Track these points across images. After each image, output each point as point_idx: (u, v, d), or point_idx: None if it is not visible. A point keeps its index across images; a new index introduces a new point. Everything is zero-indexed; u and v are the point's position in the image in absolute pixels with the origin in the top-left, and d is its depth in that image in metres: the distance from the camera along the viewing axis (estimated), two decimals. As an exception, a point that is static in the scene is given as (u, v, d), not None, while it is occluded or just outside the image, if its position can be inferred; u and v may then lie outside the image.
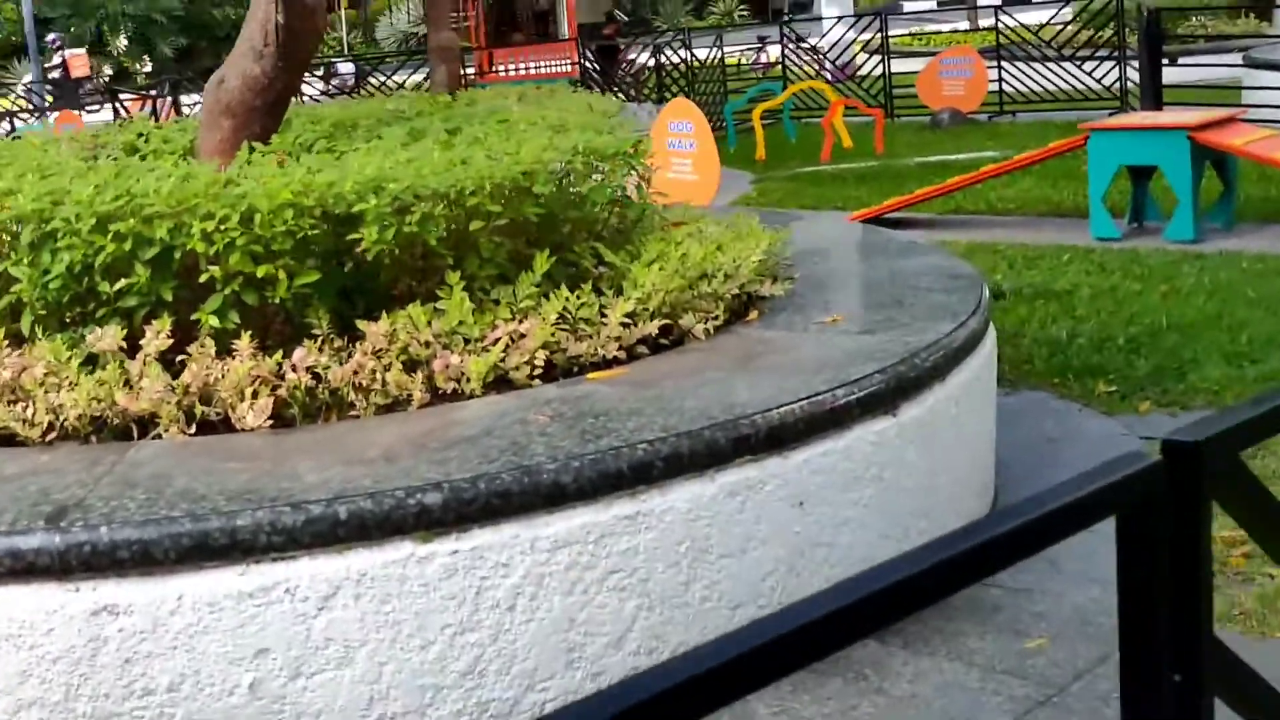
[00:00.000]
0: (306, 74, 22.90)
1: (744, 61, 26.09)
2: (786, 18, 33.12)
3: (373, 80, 20.79)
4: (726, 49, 20.42)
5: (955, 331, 4.18)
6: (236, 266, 3.74)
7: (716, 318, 4.30)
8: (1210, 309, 7.08)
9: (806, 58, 19.81)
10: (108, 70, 39.25)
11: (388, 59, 23.52)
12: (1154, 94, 13.85)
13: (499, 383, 3.85)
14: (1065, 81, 17.16)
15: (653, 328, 4.07)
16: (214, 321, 3.78)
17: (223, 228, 3.73)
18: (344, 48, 45.59)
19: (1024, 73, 17.38)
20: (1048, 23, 18.30)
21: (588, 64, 16.48)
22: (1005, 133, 15.94)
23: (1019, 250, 9.29)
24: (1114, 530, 1.83)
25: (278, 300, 3.78)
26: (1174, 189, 9.46)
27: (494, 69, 18.74)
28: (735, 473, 3.46)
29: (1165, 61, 17.76)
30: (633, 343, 4.06)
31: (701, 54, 18.07)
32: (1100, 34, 17.36)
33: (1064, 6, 18.57)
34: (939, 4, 47.59)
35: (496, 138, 4.68)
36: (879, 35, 18.76)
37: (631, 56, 20.51)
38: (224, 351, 3.77)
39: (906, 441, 3.89)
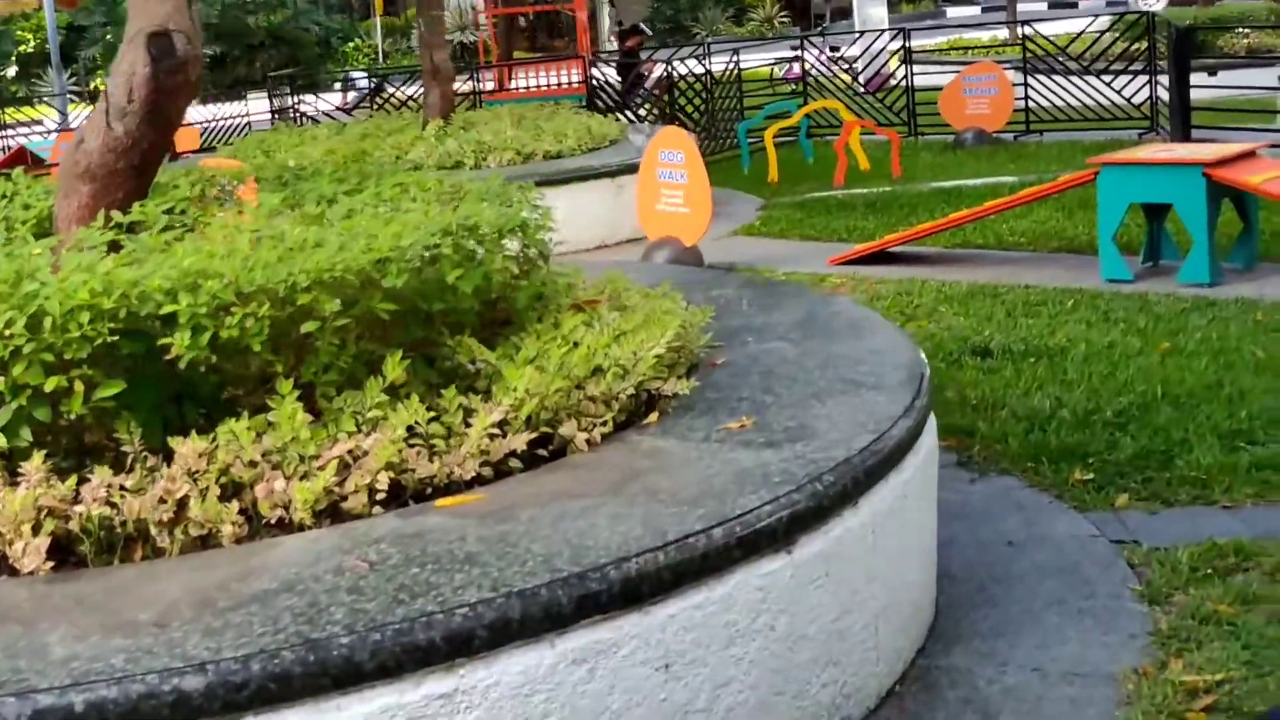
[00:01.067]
0: (320, 91, 22.51)
1: (776, 73, 25.51)
2: (820, 28, 32.59)
3: (397, 94, 20.28)
4: (760, 60, 19.84)
5: (874, 445, 3.62)
6: (24, 379, 3.23)
7: (606, 423, 3.75)
8: (1211, 374, 6.47)
9: (829, 70, 19.19)
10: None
11: (400, 72, 23.06)
12: (1181, 115, 13.24)
13: (334, 511, 3.32)
14: (1095, 99, 16.50)
15: (520, 441, 3.53)
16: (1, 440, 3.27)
17: (8, 333, 3.22)
18: (378, 56, 45.33)
19: (1052, 89, 16.72)
20: (1080, 35, 17.63)
21: (596, 82, 15.92)
22: (1030, 154, 15.32)
23: (1020, 295, 8.70)
24: None
25: (73, 415, 3.27)
26: (1189, 229, 8.85)
27: (509, 85, 18.25)
28: (582, 635, 2.92)
29: (1208, 74, 17.13)
30: (499, 458, 3.53)
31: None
32: (1134, 47, 16.68)
33: (1098, 17, 17.91)
34: (983, 10, 46.91)
35: (370, 213, 4.15)
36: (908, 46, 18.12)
37: (656, 72, 20.00)
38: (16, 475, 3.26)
39: (806, 581, 3.34)
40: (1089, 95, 16.49)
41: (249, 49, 41.52)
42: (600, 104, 16.09)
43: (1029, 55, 16.99)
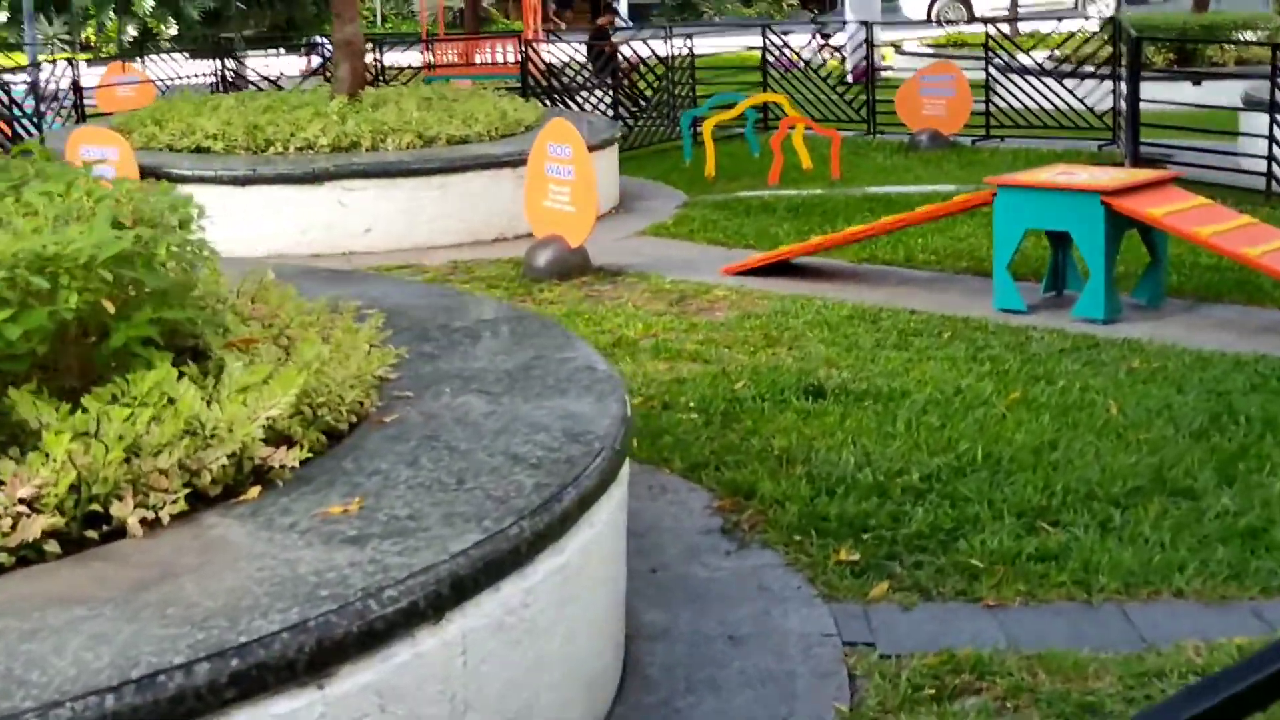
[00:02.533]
0: (282, 52, 21.80)
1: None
2: (812, 15, 31.87)
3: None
4: (736, 44, 19.09)
5: (475, 549, 3.03)
6: None
7: (176, 500, 3.17)
8: (1049, 433, 5.87)
9: (788, 57, 18.47)
10: (131, 31, 38.51)
11: (377, 37, 22.41)
12: (1131, 129, 12.61)
13: None
14: (1058, 104, 15.83)
15: (36, 528, 2.95)
16: None
17: None
18: (376, 19, 44.63)
19: (1015, 92, 16.07)
20: (1048, 36, 16.97)
21: (533, 64, 15.27)
22: (983, 161, 14.65)
23: (900, 321, 8.10)
24: None
25: None
26: (1085, 260, 8.23)
27: (445, 62, 17.62)
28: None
29: (1192, 84, 16.42)
30: (15, 544, 2.95)
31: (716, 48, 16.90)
32: (1100, 53, 15.99)
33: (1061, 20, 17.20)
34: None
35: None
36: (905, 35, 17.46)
37: (624, 52, 19.38)
38: None
39: (346, 720, 2.76)
40: (1053, 101, 15.82)
41: (246, 4, 40.83)
42: (533, 86, 15.42)
43: (991, 55, 16.28)
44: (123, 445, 3.13)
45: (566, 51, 17.36)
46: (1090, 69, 15.49)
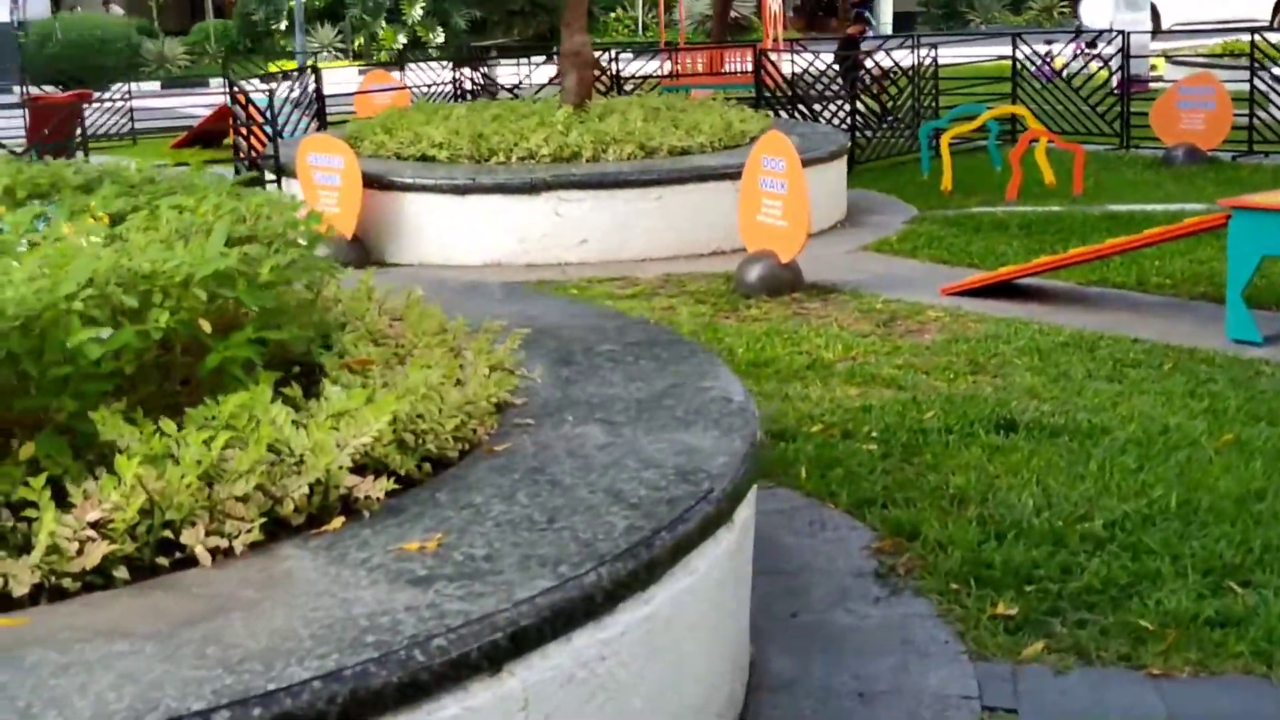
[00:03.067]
0: (534, 61, 22.04)
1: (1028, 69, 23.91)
2: (1076, 24, 30.80)
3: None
4: (985, 55, 18.40)
5: (542, 597, 2.85)
6: None
7: (251, 530, 3.08)
8: (1260, 481, 5.40)
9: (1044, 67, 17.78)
10: (402, 39, 39.69)
11: (635, 47, 22.48)
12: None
13: None
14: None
15: (97, 554, 2.89)
16: None
17: None
18: (637, 28, 44.95)
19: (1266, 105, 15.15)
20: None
21: (767, 74, 15.02)
22: (1241, 178, 13.83)
23: (1119, 350, 7.64)
24: None
25: None
26: (1327, 291, 7.62)
27: (685, 72, 17.54)
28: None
29: None
30: (79, 570, 2.90)
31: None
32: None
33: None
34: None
35: (71, 247, 3.54)
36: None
37: (876, 61, 19.01)
38: None
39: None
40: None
41: (508, 14, 41.63)
42: (768, 97, 15.18)
43: (1258, 64, 15.36)
44: (199, 469, 3.05)
45: (810, 61, 17.07)
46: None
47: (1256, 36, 15.22)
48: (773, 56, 16.02)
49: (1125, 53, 16.52)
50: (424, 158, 11.39)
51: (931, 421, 6.24)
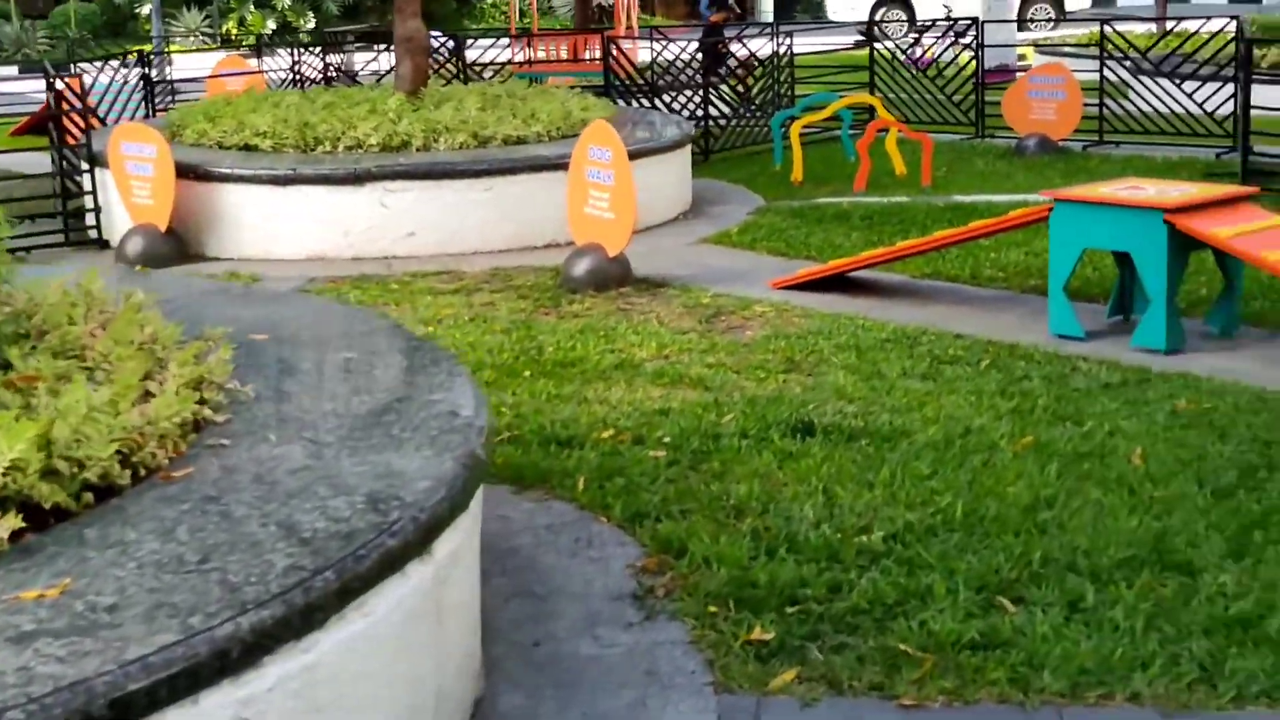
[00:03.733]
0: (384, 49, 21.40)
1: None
2: (948, 9, 30.78)
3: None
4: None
5: (152, 658, 2.52)
6: None
7: None
8: (1053, 487, 5.20)
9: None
10: (271, 25, 38.81)
11: (494, 34, 21.98)
12: (1243, 135, 11.69)
13: None
14: (1178, 108, 14.85)
15: None
16: None
17: None
18: (517, 14, 44.32)
19: (1128, 95, 15.12)
20: (1167, 35, 15.98)
21: (616, 62, 14.69)
22: (1090, 168, 13.76)
23: (939, 347, 7.45)
24: None
25: None
26: (1145, 284, 7.47)
27: (545, 59, 17.19)
28: None
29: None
30: None
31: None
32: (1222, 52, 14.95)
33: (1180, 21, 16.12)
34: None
35: None
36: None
37: (737, 49, 18.77)
38: None
39: None
40: (1169, 105, 14.86)
41: (381, 0, 40.90)
42: (618, 85, 14.87)
43: (1108, 55, 15.32)
44: None
45: (661, 49, 16.77)
46: (1212, 71, 14.42)
47: (1106, 27, 15.17)
48: (627, 44, 15.70)
49: (980, 42, 16.41)
50: (247, 147, 10.95)
51: (729, 425, 5.98)
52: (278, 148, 10.90)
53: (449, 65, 16.96)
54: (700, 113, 15.25)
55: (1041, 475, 5.32)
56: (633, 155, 10.98)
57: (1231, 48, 14.78)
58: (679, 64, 15.31)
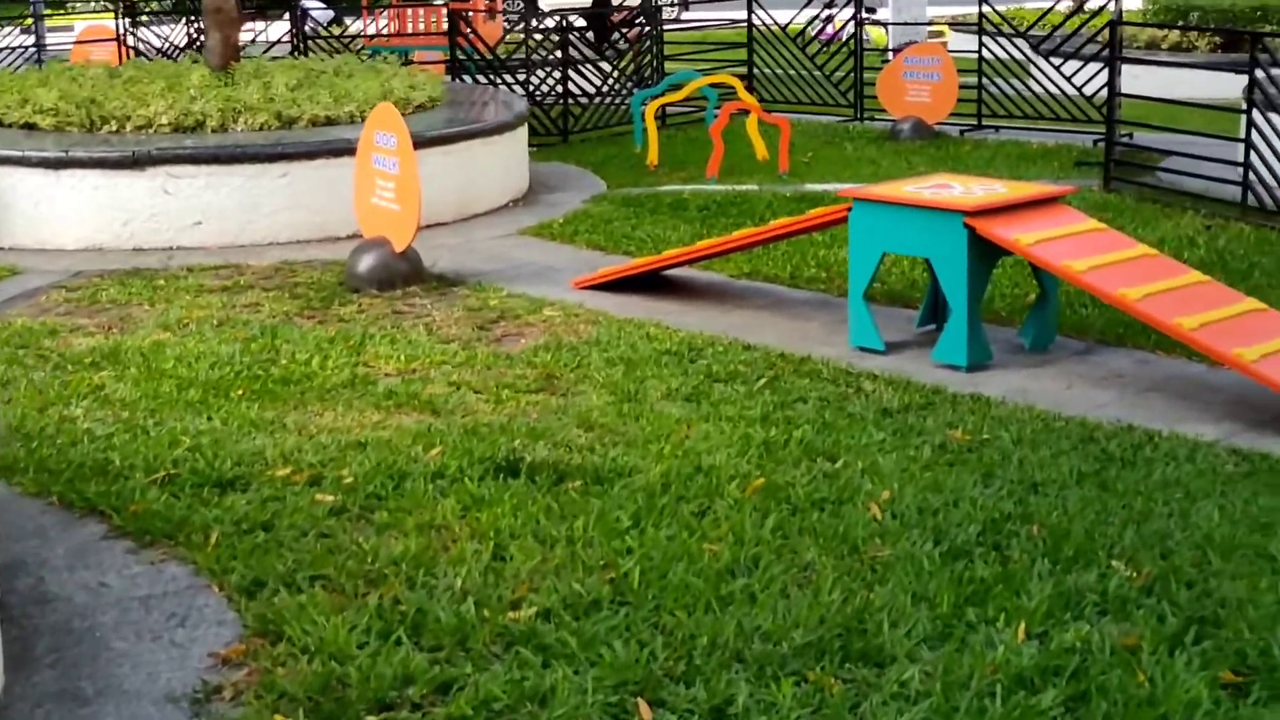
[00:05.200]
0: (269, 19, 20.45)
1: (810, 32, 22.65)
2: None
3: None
4: (788, 12, 17.21)
5: None
6: None
7: None
8: (763, 546, 4.50)
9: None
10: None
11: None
12: (1109, 122, 11.03)
13: None
14: (1053, 91, 14.19)
15: None
16: None
17: None
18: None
19: (1006, 77, 14.45)
20: (1047, 14, 15.33)
21: (463, 36, 13.84)
22: (961, 155, 13.13)
23: (726, 359, 6.85)
24: None
25: None
26: (945, 294, 6.78)
27: (381, 30, 16.34)
28: None
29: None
30: None
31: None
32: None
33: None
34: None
35: None
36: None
37: (622, 21, 17.99)
38: None
39: None
40: (1046, 88, 14.21)
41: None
42: (464, 61, 14.05)
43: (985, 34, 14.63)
44: None
45: (513, 24, 15.93)
46: (1091, 53, 13.73)
47: (985, 6, 14.47)
48: (484, 19, 14.88)
49: (858, 20, 15.70)
50: (27, 125, 10.09)
51: (429, 462, 5.24)
52: (61, 126, 10.06)
53: (326, 39, 16.03)
54: (559, 90, 14.47)
55: (756, 530, 4.62)
56: (454, 139, 10.30)
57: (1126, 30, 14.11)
58: (533, 40, 14.50)
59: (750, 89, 16.26)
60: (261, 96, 10.35)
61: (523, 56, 14.84)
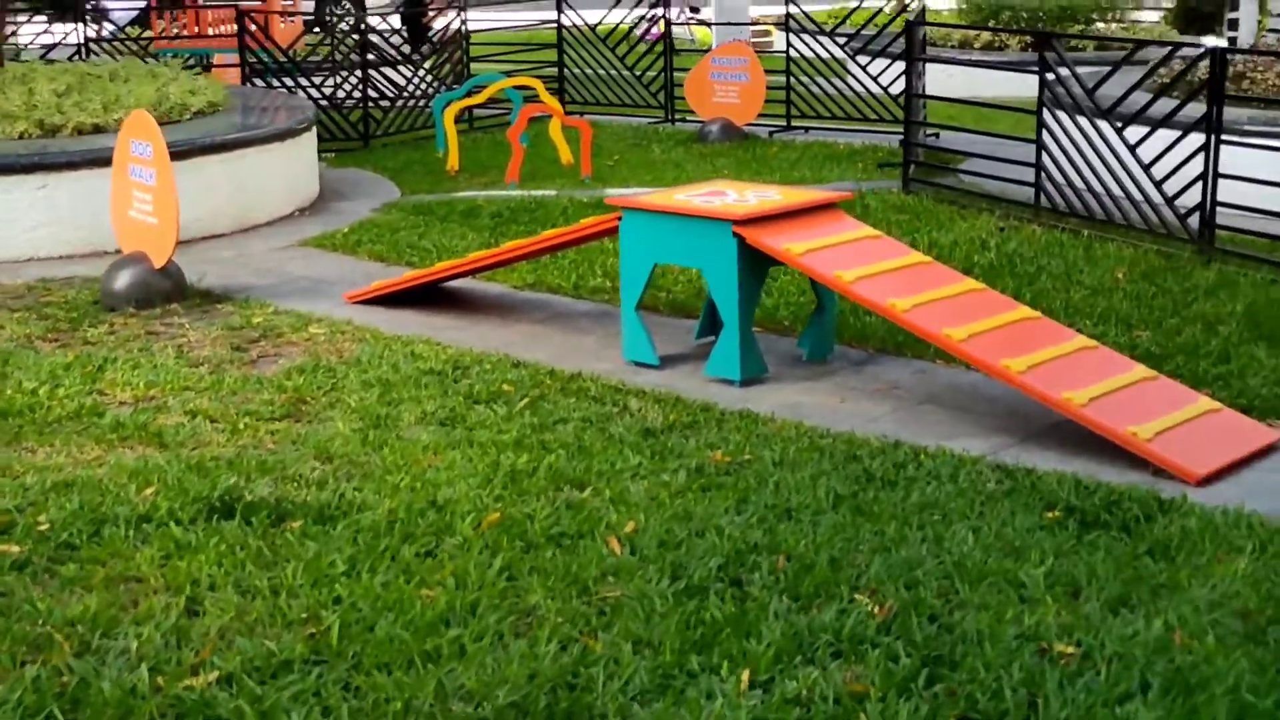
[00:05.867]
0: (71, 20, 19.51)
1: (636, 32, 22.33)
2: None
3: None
4: (598, 12, 16.88)
5: None
6: None
7: None
8: (487, 589, 4.15)
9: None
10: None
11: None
12: (908, 123, 10.90)
13: None
14: (860, 91, 14.11)
15: None
16: None
17: None
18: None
19: (814, 77, 14.35)
20: (855, 10, 15.24)
21: (252, 38, 13.29)
22: (767, 157, 12.94)
23: (493, 378, 6.53)
24: None
25: None
26: (718, 306, 6.52)
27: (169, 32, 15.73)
28: None
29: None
30: None
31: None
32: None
33: None
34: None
35: None
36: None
37: (439, 23, 17.50)
38: None
39: None
40: (854, 89, 14.12)
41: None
42: (254, 64, 13.51)
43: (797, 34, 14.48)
44: None
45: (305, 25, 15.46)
46: (897, 52, 13.64)
47: (791, 6, 14.33)
48: (282, 24, 14.35)
49: (667, 19, 15.47)
50: None
51: (141, 503, 4.81)
52: None
53: (124, 42, 15.28)
54: (358, 94, 14.01)
55: (481, 571, 4.29)
56: (230, 146, 9.83)
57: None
58: (334, 41, 14.03)
59: (561, 90, 15.99)
60: (24, 104, 9.76)
61: (319, 59, 14.34)
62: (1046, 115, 9.50)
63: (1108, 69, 9.35)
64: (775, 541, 4.55)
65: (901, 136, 12.10)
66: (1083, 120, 9.16)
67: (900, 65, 11.54)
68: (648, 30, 16.54)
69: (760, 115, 13.99)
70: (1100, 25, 20.40)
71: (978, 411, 6.04)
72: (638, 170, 12.42)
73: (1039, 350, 5.82)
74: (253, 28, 13.07)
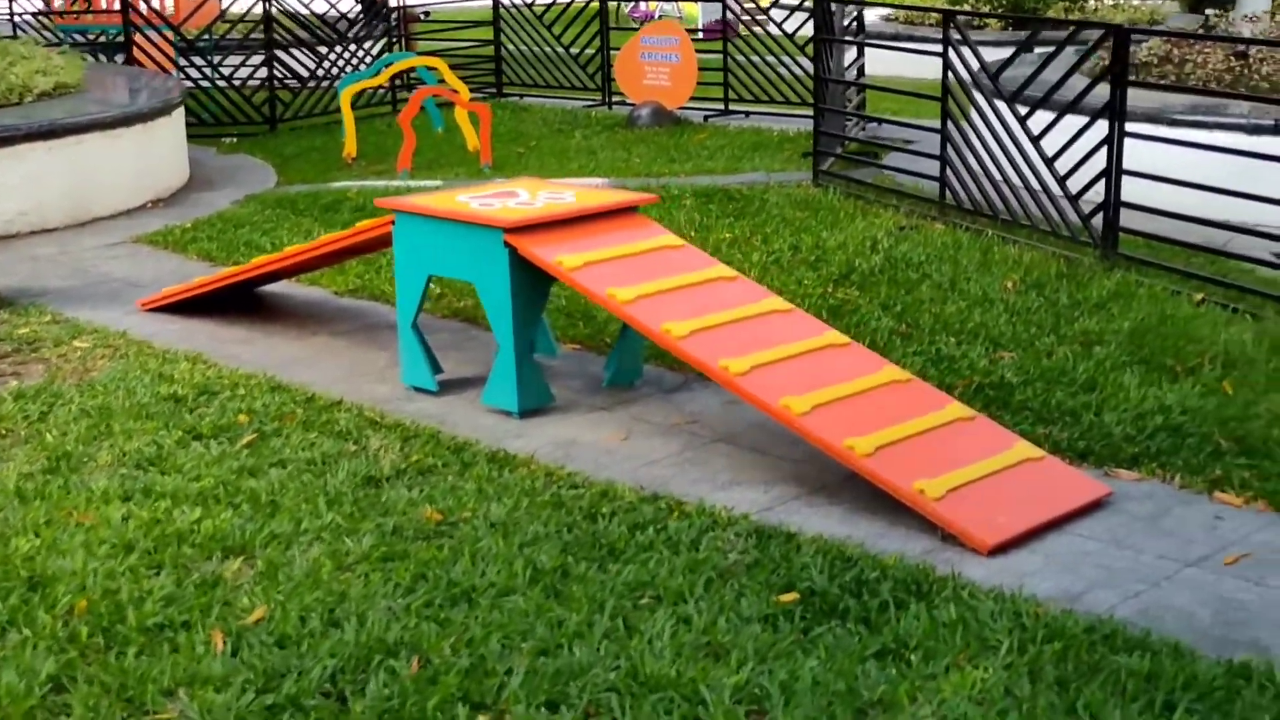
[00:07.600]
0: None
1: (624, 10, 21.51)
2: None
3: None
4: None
5: None
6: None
7: None
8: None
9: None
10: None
11: None
12: (819, 108, 9.98)
13: None
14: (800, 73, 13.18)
15: None
16: None
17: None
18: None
19: (750, 57, 13.41)
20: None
21: (137, 14, 12.43)
22: (694, 144, 12.01)
23: (246, 402, 5.76)
24: None
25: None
26: (491, 324, 5.63)
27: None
28: None
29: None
30: None
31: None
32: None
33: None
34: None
35: None
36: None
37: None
38: None
39: None
40: (793, 70, 13.19)
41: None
42: (140, 46, 12.65)
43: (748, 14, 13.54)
44: None
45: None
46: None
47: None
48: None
49: (603, 5, 14.53)
50: None
51: None
52: None
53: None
54: (266, 78, 13.17)
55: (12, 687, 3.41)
56: (63, 132, 9.00)
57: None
58: (230, 20, 13.18)
59: (498, 71, 15.14)
60: None
61: (237, 38, 13.51)
62: (951, 102, 8.54)
63: (1012, 50, 8.38)
64: (421, 637, 3.67)
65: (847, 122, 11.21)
66: (985, 106, 8.20)
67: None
68: (635, 6, 15.67)
69: (698, 98, 13.09)
70: (1092, 4, 19.39)
71: (774, 454, 5.13)
72: (546, 159, 11.53)
73: (835, 385, 4.91)
74: (142, 6, 12.20)
